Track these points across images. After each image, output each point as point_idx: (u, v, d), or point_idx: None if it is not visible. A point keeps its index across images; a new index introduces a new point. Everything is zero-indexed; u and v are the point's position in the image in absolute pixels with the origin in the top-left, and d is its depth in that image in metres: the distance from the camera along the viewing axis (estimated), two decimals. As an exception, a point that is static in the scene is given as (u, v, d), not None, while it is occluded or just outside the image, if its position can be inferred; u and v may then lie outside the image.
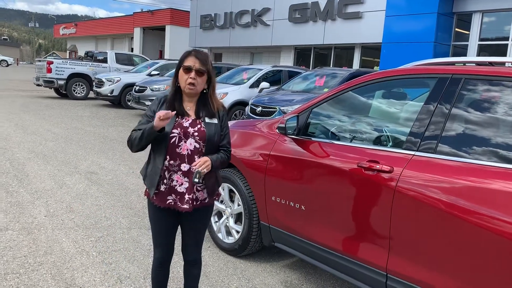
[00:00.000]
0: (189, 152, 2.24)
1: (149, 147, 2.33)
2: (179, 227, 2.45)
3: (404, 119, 2.80)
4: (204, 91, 2.33)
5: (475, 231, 2.08)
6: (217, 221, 3.78)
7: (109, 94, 13.90)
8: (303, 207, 2.96)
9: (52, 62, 15.16)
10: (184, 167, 2.25)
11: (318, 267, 2.97)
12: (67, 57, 40.51)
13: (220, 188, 3.66)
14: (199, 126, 2.27)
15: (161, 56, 31.35)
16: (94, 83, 14.68)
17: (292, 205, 3.03)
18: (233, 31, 20.71)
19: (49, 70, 15.00)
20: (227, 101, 9.84)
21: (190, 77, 2.22)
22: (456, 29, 12.74)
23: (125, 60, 17.29)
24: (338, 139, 2.93)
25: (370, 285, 2.58)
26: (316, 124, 3.10)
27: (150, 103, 2.37)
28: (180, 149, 2.24)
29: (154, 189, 2.26)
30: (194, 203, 2.30)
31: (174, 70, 10.50)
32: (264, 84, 9.99)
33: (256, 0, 19.26)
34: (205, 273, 3.29)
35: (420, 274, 2.31)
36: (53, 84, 15.28)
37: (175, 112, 2.21)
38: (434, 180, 2.27)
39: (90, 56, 17.98)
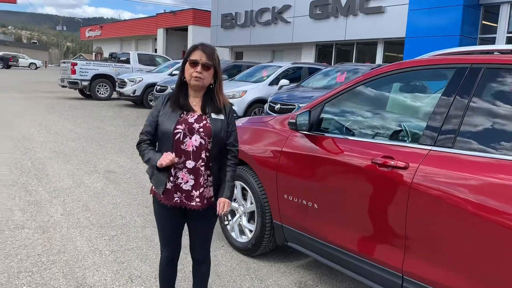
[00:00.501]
0: (194, 149, 2.17)
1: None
2: (185, 225, 2.40)
3: (420, 112, 2.66)
4: (211, 86, 2.27)
5: (496, 231, 1.94)
6: (230, 220, 3.71)
7: (131, 94, 14.05)
8: (315, 205, 2.85)
9: (76, 64, 15.44)
10: (190, 164, 2.17)
11: (333, 268, 2.86)
12: (93, 59, 41.30)
13: (232, 186, 3.61)
14: (204, 122, 2.19)
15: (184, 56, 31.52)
16: (117, 84, 14.87)
17: (305, 203, 2.93)
18: (253, 29, 20.64)
19: (73, 72, 15.28)
20: (246, 99, 9.79)
21: (196, 71, 2.16)
22: (483, 22, 12.31)
23: (148, 60, 17.46)
24: (352, 135, 2.82)
25: (386, 286, 2.46)
26: (329, 119, 2.99)
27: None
28: (185, 145, 2.16)
29: (163, 188, 2.21)
30: (204, 203, 2.23)
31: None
32: (283, 82, 9.88)
33: (276, -2, 19.14)
34: (217, 273, 3.23)
35: (437, 276, 2.18)
36: (77, 85, 15.56)
37: (176, 159, 2.16)
38: (452, 176, 2.14)
39: (114, 57, 18.25)
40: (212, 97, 2.25)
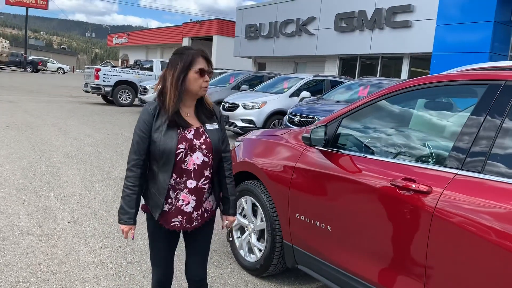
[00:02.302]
0: (196, 167, 2.01)
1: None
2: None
3: (447, 132, 2.44)
4: None
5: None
6: (239, 237, 3.53)
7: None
8: (329, 227, 2.65)
9: (99, 70, 15.61)
10: (191, 184, 2.01)
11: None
12: (119, 65, 41.96)
13: (243, 201, 3.44)
14: (204, 136, 2.04)
15: (207, 66, 31.65)
16: (139, 91, 14.95)
17: (317, 224, 2.73)
18: (277, 40, 20.57)
19: (97, 77, 15.44)
20: (265, 110, 9.65)
21: (206, 81, 2.02)
22: (515, 39, 11.90)
23: (171, 68, 17.47)
24: (371, 153, 2.61)
25: (402, 322, 2.24)
26: (346, 135, 2.80)
27: (139, 116, 2.07)
28: (186, 164, 2.00)
29: (159, 211, 2.03)
30: (204, 217, 2.12)
31: (216, 78, 10.35)
32: (304, 94, 9.71)
33: (301, 9, 19.05)
34: (222, 293, 3.04)
35: (461, 316, 1.95)
36: (100, 90, 15.71)
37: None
38: (480, 204, 1.91)
39: (138, 65, 18.43)
40: (202, 104, 2.12)
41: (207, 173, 2.05)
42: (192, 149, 2.00)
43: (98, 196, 5.02)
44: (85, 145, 7.98)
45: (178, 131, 2.00)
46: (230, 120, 9.88)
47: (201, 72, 2.00)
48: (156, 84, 2.11)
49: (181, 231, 2.14)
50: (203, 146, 2.02)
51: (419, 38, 14.05)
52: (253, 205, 3.37)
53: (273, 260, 3.15)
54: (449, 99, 2.53)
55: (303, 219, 2.85)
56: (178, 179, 2.00)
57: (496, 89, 2.10)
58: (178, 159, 1.98)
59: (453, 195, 2.03)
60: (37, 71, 44.00)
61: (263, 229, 3.25)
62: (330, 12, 17.57)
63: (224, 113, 10.11)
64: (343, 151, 2.70)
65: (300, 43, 19.27)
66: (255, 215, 3.38)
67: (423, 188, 2.14)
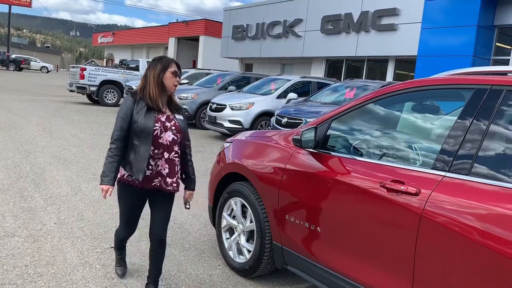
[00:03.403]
0: (168, 143, 2.67)
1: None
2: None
3: (435, 135, 2.49)
4: None
5: (515, 270, 1.76)
6: (228, 238, 3.54)
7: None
8: (318, 228, 2.68)
9: (85, 69, 15.45)
10: (166, 155, 2.68)
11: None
12: (104, 65, 41.50)
13: (233, 202, 3.46)
14: (174, 121, 2.70)
15: (194, 66, 31.61)
16: (125, 91, 14.83)
17: (307, 225, 2.75)
18: (264, 41, 20.62)
19: (82, 77, 15.28)
20: (253, 111, 9.66)
21: (177, 81, 2.72)
22: (497, 44, 12.15)
23: (157, 68, 17.38)
24: (360, 155, 2.65)
25: (390, 321, 2.27)
26: (336, 137, 2.83)
27: (123, 103, 2.69)
28: (162, 140, 2.65)
29: (142, 175, 2.59)
30: (174, 187, 2.73)
31: (203, 78, 10.58)
32: (291, 95, 9.76)
33: (288, 11, 19.13)
34: (211, 295, 3.05)
35: (448, 315, 1.99)
36: (86, 90, 15.55)
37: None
38: (467, 206, 1.96)
39: (124, 64, 18.29)
40: (171, 99, 2.78)
41: (176, 148, 2.70)
42: (165, 128, 2.64)
43: (84, 197, 4.97)
44: (70, 145, 7.89)
45: (155, 114, 2.63)
46: (217, 121, 9.88)
47: (174, 73, 2.70)
48: (140, 83, 2.73)
49: (148, 195, 2.77)
50: (173, 128, 2.68)
51: (404, 41, 14.24)
52: (243, 206, 3.38)
53: (262, 261, 3.16)
54: (438, 103, 2.58)
55: (292, 220, 2.87)
56: (156, 150, 2.64)
57: (482, 93, 2.15)
58: (155, 134, 2.61)
59: (441, 197, 2.07)
60: (20, 69, 43.31)
61: (253, 230, 3.26)
62: (317, 14, 17.68)
63: (211, 113, 10.11)
64: (332, 153, 2.73)
65: (287, 45, 19.35)
66: (244, 216, 3.39)
67: (412, 190, 2.18)
